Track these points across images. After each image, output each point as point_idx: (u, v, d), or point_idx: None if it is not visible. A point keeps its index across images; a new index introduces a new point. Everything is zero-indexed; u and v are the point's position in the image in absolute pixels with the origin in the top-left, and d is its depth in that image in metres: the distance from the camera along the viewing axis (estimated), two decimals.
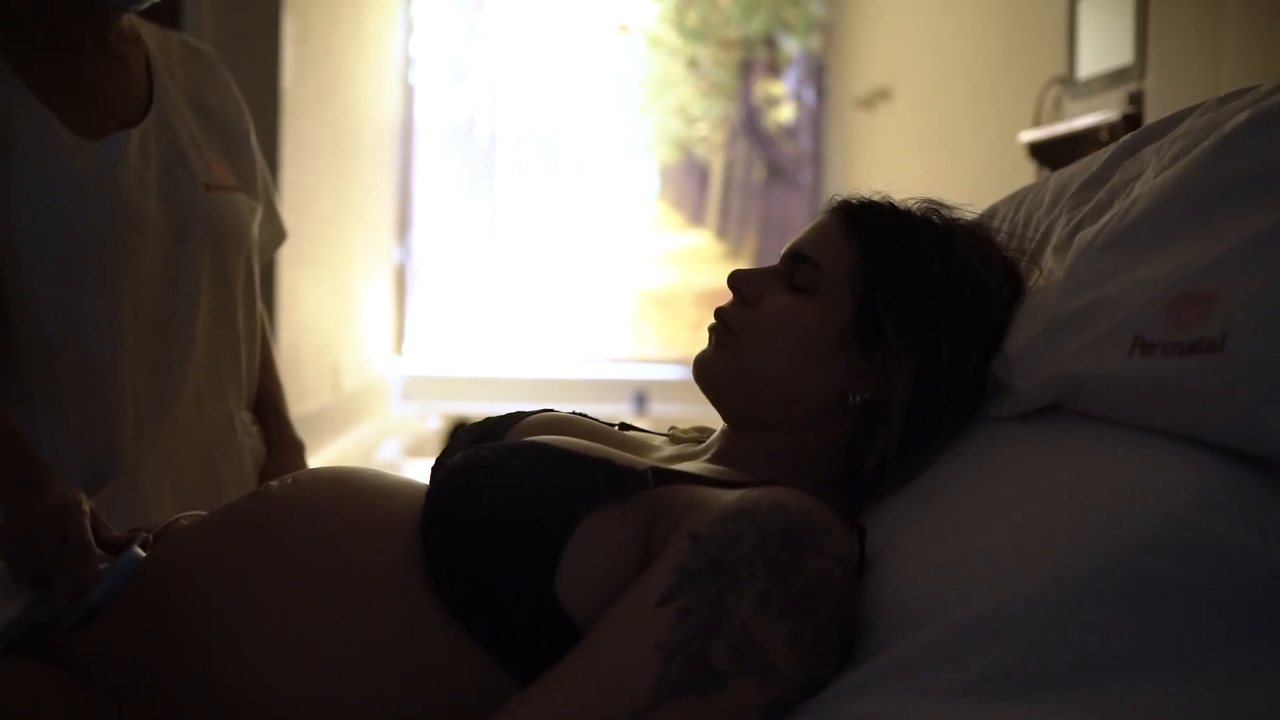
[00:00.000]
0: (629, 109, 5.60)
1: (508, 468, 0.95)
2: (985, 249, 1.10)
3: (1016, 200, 1.33)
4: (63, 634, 0.98)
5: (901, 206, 1.13)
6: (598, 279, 5.59)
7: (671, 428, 1.24)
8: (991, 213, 1.34)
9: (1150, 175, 1.08)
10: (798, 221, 5.43)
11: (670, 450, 1.16)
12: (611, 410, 5.31)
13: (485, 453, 0.98)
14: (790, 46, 5.60)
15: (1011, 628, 0.80)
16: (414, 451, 4.61)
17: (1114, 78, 2.23)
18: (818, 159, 5.49)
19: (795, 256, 1.11)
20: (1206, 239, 0.88)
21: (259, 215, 1.58)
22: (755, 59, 5.62)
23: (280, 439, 1.60)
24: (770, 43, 5.60)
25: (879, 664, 0.85)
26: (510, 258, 5.54)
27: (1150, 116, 1.93)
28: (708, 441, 1.14)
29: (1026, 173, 2.72)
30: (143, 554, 1.03)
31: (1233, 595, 0.76)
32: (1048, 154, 2.47)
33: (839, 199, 1.14)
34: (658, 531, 0.93)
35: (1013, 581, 0.81)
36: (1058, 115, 2.57)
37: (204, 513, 1.15)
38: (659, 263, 5.65)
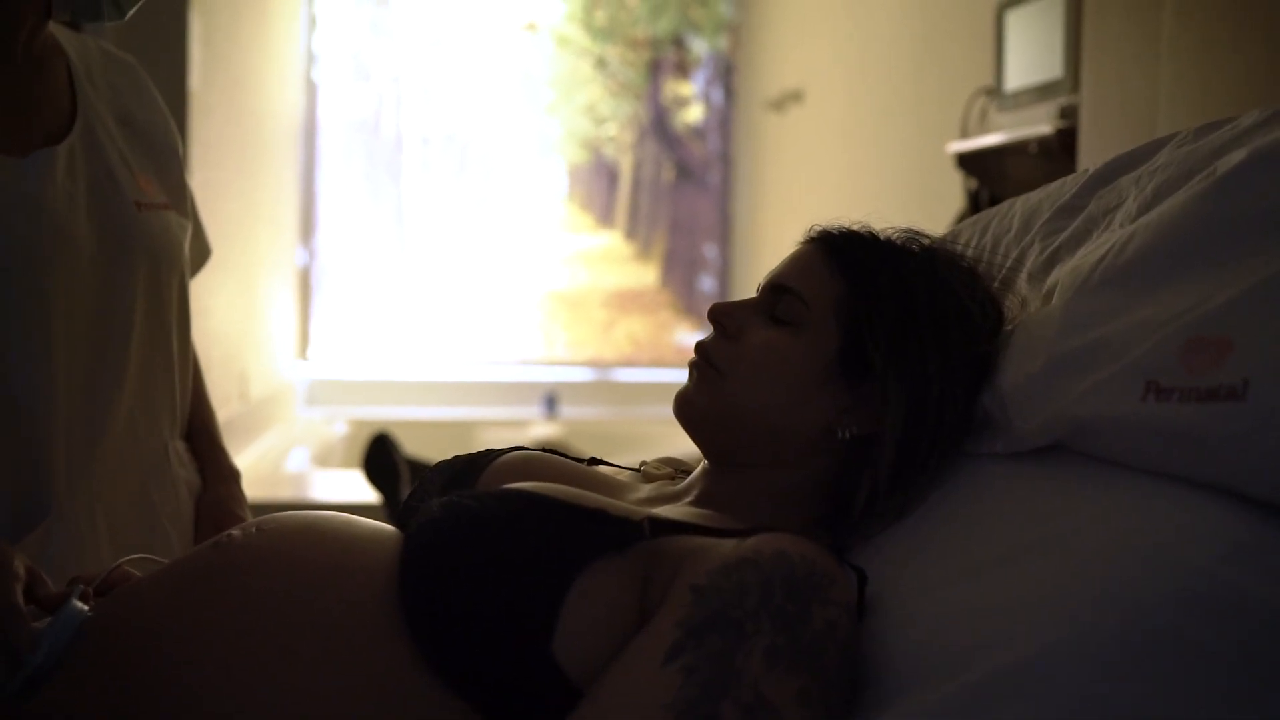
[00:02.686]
0: (537, 108, 5.53)
1: (495, 520, 0.91)
2: (969, 279, 1.09)
3: (981, 224, 1.33)
4: (8, 704, 0.91)
5: (882, 236, 1.11)
6: (506, 280, 5.52)
7: (642, 463, 1.20)
8: (955, 235, 1.34)
9: (1131, 206, 1.08)
10: (706, 222, 5.43)
11: (646, 490, 1.12)
12: (522, 413, 5.25)
13: (469, 503, 0.94)
14: (699, 47, 5.60)
15: (1034, 684, 0.78)
16: (322, 460, 4.50)
17: (1043, 91, 2.25)
18: (727, 160, 5.50)
19: (776, 288, 1.09)
20: (1213, 281, 0.87)
21: (189, 233, 1.51)
22: (664, 59, 5.60)
23: (215, 468, 1.53)
24: (679, 43, 5.59)
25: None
26: (417, 259, 5.44)
27: (1084, 132, 1.94)
28: (687, 481, 1.11)
29: (951, 181, 2.74)
30: (84, 608, 0.96)
31: (1264, 651, 0.75)
32: (975, 165, 2.49)
33: (818, 229, 1.12)
34: (654, 583, 0.90)
35: (1033, 635, 0.79)
36: (984, 127, 2.59)
37: (145, 556, 1.09)
38: (568, 264, 5.60)
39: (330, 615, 0.90)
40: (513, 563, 0.88)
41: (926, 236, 1.13)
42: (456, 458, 1.16)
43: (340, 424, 4.94)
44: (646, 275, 5.62)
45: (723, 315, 1.08)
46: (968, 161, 2.48)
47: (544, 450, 1.18)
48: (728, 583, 0.86)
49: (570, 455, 1.19)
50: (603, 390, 5.40)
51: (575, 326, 5.60)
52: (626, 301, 5.61)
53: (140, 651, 0.91)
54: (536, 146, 5.53)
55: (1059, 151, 2.09)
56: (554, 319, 5.59)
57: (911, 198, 3.30)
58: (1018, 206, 1.28)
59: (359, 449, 4.48)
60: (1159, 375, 0.85)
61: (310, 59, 5.09)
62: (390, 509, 3.19)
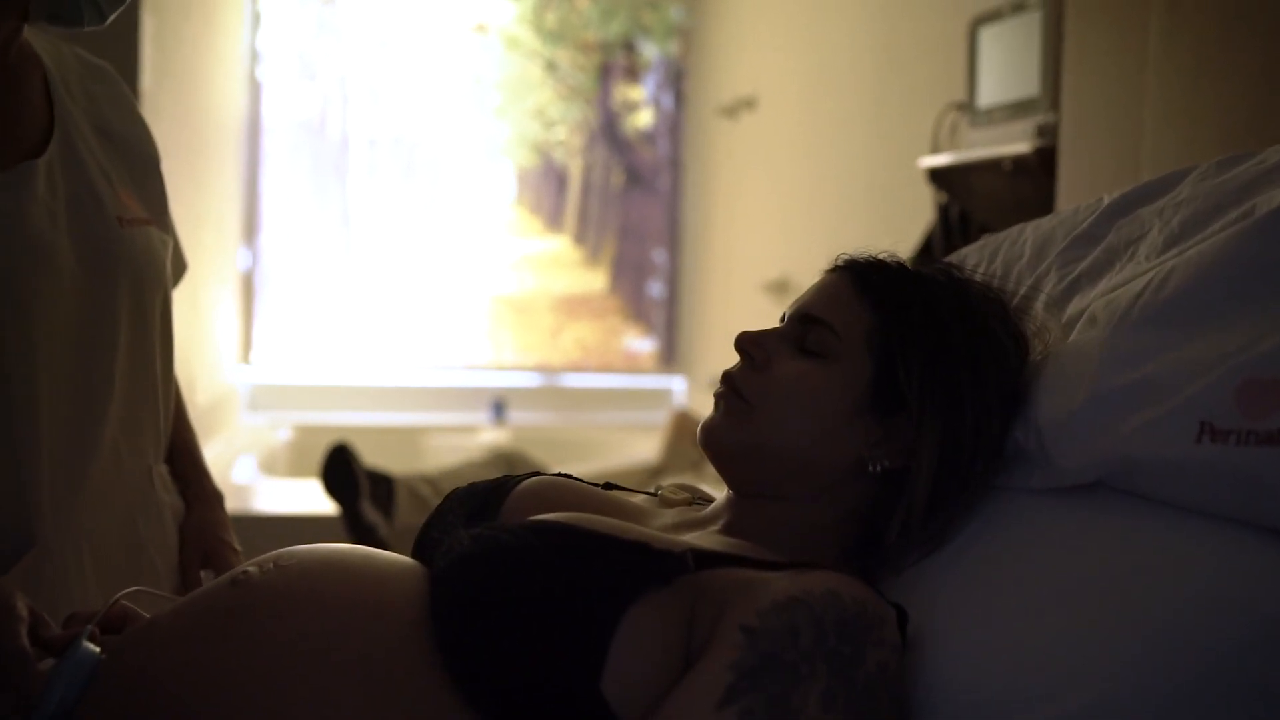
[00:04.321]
0: (486, 111, 5.48)
1: (535, 554, 0.89)
2: (999, 309, 1.08)
3: (990, 249, 1.33)
4: None
5: (910, 266, 1.10)
6: (453, 284, 5.46)
7: (658, 488, 1.18)
8: (961, 259, 1.33)
9: (1156, 239, 1.08)
10: (655, 228, 5.41)
11: (669, 516, 1.10)
12: (469, 418, 5.20)
13: (503, 536, 0.91)
14: (649, 51, 5.58)
15: None
16: (267, 468, 4.41)
17: (1018, 108, 2.26)
18: (677, 165, 5.48)
19: (805, 318, 1.07)
20: (1261, 321, 0.87)
21: (170, 248, 1.46)
22: (614, 63, 5.57)
23: (199, 491, 1.48)
24: (629, 47, 5.56)
25: None
26: (362, 262, 5.36)
27: (1064, 151, 1.95)
28: (712, 509, 1.09)
29: (917, 195, 2.75)
30: (96, 650, 0.92)
31: None
32: (943, 180, 2.50)
33: (845, 258, 1.11)
34: (700, 617, 0.88)
35: (1095, 680, 0.79)
36: (954, 142, 2.60)
37: (141, 589, 1.05)
38: (516, 268, 5.55)
39: (359, 654, 0.87)
40: (559, 598, 0.86)
41: (956, 267, 1.12)
42: (475, 485, 1.13)
43: (284, 430, 4.85)
44: (595, 280, 5.59)
45: (751, 345, 1.06)
46: (940, 177, 2.49)
47: (560, 475, 1.15)
48: (779, 623, 0.85)
49: (586, 481, 1.17)
50: (551, 396, 5.36)
51: (523, 331, 5.56)
52: (575, 306, 5.57)
53: (159, 697, 0.88)
54: (485, 149, 5.48)
55: (1037, 170, 2.10)
56: (501, 324, 5.55)
57: (875, 209, 3.31)
58: (1028, 233, 1.28)
59: (304, 456, 4.41)
60: (1213, 417, 0.85)
61: (254, 57, 5.00)
62: (350, 523, 3.12)
